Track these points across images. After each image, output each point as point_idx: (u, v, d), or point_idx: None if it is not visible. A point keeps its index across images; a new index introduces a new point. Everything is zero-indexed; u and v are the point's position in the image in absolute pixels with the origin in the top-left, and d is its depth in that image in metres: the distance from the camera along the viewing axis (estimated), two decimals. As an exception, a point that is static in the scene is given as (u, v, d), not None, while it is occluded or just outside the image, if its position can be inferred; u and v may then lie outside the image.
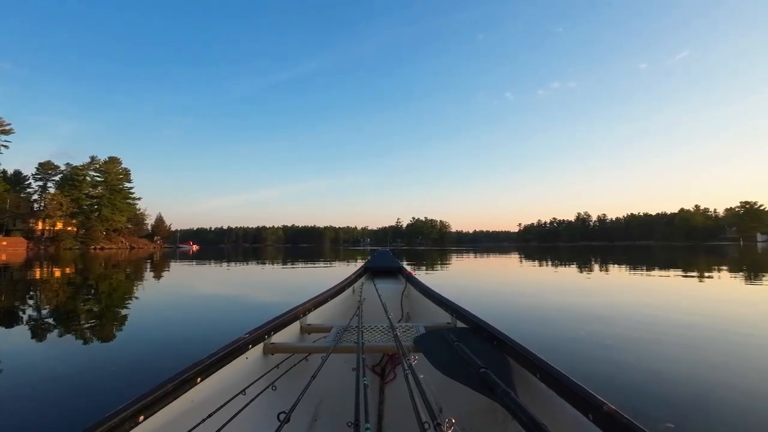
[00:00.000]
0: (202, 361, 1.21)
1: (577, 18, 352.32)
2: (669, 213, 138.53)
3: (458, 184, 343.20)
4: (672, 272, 11.28)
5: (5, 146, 52.02)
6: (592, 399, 0.94)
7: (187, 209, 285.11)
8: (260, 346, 1.60)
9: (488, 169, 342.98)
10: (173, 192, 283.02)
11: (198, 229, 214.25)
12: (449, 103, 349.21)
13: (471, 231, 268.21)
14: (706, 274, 10.73)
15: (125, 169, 67.67)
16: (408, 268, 4.17)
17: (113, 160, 66.06)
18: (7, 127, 51.74)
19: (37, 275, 12.50)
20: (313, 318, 2.28)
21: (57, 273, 13.33)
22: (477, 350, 1.42)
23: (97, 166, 64.55)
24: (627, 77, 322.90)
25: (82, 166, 63.00)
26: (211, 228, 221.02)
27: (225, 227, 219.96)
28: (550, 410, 1.09)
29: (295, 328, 2.03)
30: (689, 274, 10.80)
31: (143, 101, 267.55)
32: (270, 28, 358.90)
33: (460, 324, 1.97)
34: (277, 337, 1.75)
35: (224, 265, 17.21)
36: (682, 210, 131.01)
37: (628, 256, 22.47)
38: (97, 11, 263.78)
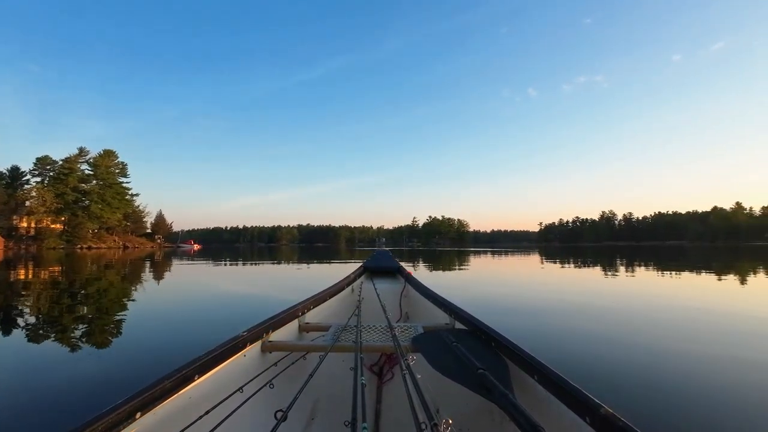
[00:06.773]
0: (200, 358, 1.20)
1: (609, 8, 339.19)
2: (701, 212, 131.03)
3: (475, 183, 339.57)
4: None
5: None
6: (590, 402, 0.93)
7: (205, 209, 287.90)
8: (258, 344, 1.59)
9: (507, 167, 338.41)
10: (193, 192, 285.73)
11: (214, 228, 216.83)
12: (469, 101, 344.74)
13: (489, 230, 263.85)
14: None
15: (121, 163, 64.19)
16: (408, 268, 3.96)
17: (108, 154, 62.48)
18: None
19: (18, 276, 11.57)
20: (312, 316, 2.25)
21: (33, 274, 11.99)
22: (475, 351, 1.40)
23: (89, 159, 60.68)
24: (658, 69, 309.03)
25: (68, 158, 58.82)
26: (226, 227, 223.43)
27: (241, 227, 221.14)
28: (547, 412, 1.08)
29: (293, 326, 2.01)
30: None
31: (166, 104, 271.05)
32: (290, 29, 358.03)
33: (458, 325, 1.94)
34: (276, 336, 1.75)
35: (216, 265, 14.00)
36: (715, 208, 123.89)
37: (677, 259, 18.56)
38: (120, 13, 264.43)
